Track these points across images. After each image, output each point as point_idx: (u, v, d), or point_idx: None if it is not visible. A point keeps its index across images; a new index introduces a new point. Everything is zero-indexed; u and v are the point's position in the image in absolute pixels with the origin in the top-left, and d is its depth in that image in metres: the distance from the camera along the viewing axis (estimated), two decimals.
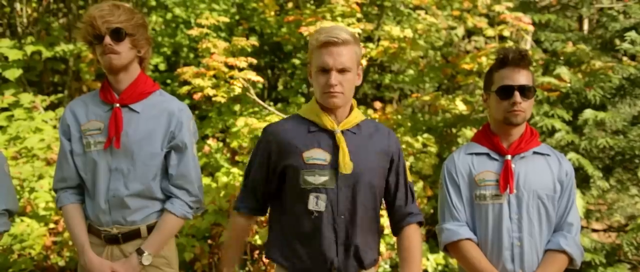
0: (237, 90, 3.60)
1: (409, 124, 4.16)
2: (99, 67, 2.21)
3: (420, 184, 3.94)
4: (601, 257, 3.62)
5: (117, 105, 1.98)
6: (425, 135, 4.09)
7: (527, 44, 4.97)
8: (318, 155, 1.87)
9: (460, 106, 4.07)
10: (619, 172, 3.82)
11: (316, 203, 1.86)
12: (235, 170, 3.88)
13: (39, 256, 3.81)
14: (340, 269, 1.88)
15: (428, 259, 3.83)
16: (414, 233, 1.98)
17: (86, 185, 2.05)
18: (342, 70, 1.84)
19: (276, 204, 1.99)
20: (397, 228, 2.01)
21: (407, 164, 4.02)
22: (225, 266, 2.04)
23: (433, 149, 4.02)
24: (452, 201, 2.09)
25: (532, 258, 2.02)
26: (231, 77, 3.63)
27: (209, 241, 3.87)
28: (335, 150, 1.87)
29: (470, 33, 6.30)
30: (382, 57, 4.13)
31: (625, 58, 4.24)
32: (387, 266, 3.44)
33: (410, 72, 5.29)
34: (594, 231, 4.24)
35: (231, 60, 3.59)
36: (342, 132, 1.90)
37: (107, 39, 1.90)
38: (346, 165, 1.85)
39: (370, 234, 1.94)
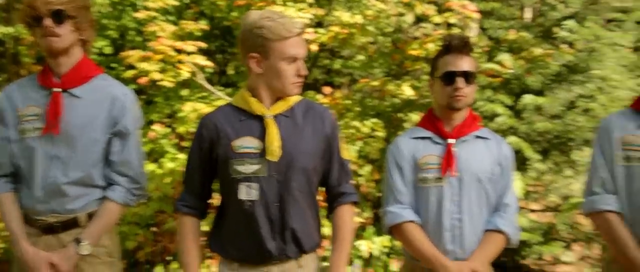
0: (185, 75, 3.56)
1: (358, 109, 4.23)
2: (39, 50, 2.13)
3: (369, 168, 4.02)
4: (538, 236, 3.81)
5: (57, 89, 1.93)
6: (374, 120, 4.16)
7: (473, 31, 5.11)
8: (248, 143, 1.85)
9: (407, 91, 4.15)
10: (555, 155, 4.01)
11: (247, 192, 1.84)
12: (181, 156, 3.84)
13: None
14: (279, 257, 1.88)
15: (374, 243, 3.90)
16: (347, 213, 1.99)
17: (21, 173, 1.98)
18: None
19: (220, 194, 1.97)
20: (331, 208, 2.02)
21: (356, 148, 4.11)
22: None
23: (381, 133, 4.09)
24: (396, 184, 2.14)
25: (471, 239, 2.10)
26: (179, 62, 3.58)
27: (154, 229, 3.82)
28: (265, 136, 1.84)
29: (419, 20, 6.40)
30: (332, 42, 4.16)
31: (563, 46, 4.43)
32: None
33: (360, 57, 5.34)
34: (532, 211, 4.45)
35: (179, 44, 3.54)
36: (275, 116, 1.88)
37: (47, 21, 1.85)
38: (273, 152, 1.83)
39: (308, 218, 1.94)
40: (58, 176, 1.93)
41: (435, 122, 2.17)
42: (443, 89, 2.11)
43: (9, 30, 5.13)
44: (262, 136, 1.85)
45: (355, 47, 4.48)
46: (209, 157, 1.90)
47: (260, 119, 1.87)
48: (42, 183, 1.93)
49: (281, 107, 1.90)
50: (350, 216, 2.01)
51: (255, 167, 1.84)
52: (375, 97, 4.49)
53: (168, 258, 3.82)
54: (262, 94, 1.88)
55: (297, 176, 1.87)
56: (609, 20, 4.41)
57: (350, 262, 3.65)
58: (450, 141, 2.12)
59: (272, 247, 1.86)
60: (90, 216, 1.99)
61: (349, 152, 2.09)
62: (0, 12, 5.78)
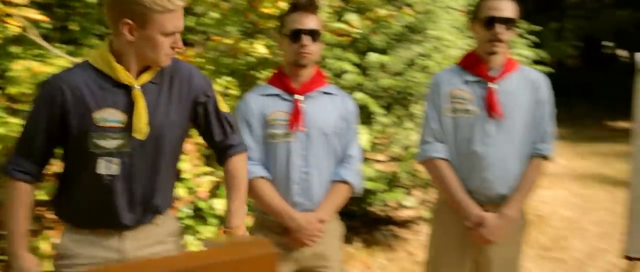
0: (15, 30, 3.21)
1: (211, 67, 4.16)
2: None
3: None
4: (383, 184, 4.12)
5: None
6: (228, 78, 4.13)
7: None
8: (112, 116, 1.70)
9: (261, 50, 4.16)
10: (398, 109, 4.32)
11: (107, 167, 1.72)
12: (14, 120, 3.49)
13: None
14: (134, 226, 1.83)
15: None
16: (238, 162, 1.96)
17: None
18: None
19: (65, 160, 1.82)
20: (221, 161, 1.99)
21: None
22: (16, 244, 1.74)
23: (235, 91, 4.08)
24: (246, 141, 2.18)
25: (319, 190, 2.22)
26: (7, 15, 3.21)
27: None
28: (131, 109, 1.71)
29: None
30: None
31: (406, 8, 4.71)
32: (189, 210, 3.47)
33: (214, 15, 5.20)
34: (378, 162, 4.78)
35: None
36: (142, 86, 1.74)
37: None
38: (141, 130, 1.71)
39: (169, 186, 1.91)
40: None
41: (284, 79, 2.24)
42: (290, 46, 2.17)
43: None
44: (127, 108, 1.71)
45: (208, 4, 4.35)
46: (60, 124, 1.71)
47: (125, 88, 1.72)
48: None
49: (149, 75, 1.77)
50: (243, 164, 1.98)
51: (118, 142, 1.71)
52: (230, 55, 4.44)
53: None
54: (130, 61, 1.72)
55: (163, 149, 1.79)
56: None
57: (206, 220, 3.66)
58: (298, 97, 2.21)
59: (128, 220, 1.79)
60: None
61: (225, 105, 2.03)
62: None
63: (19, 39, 3.71)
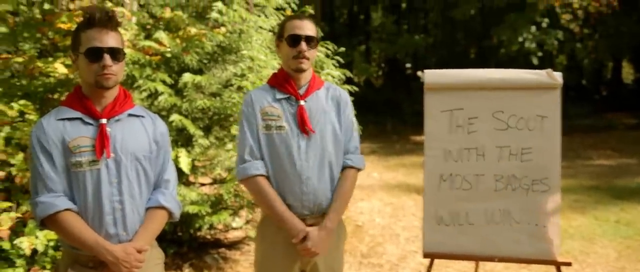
0: None
1: (1, 90, 3.66)
2: None
3: (21, 155, 3.53)
4: (207, 207, 4.00)
5: None
6: (23, 101, 3.67)
7: (133, 7, 4.96)
8: None
9: (61, 70, 3.78)
10: (217, 130, 4.25)
11: None
12: None
13: None
14: None
15: (37, 237, 3.49)
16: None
17: None
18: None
19: None
20: None
21: (2, 134, 3.56)
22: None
23: (33, 116, 3.64)
24: (46, 171, 1.96)
25: (134, 219, 2.07)
26: None
27: None
28: None
29: None
30: None
31: (221, 28, 4.67)
32: None
33: (2, 29, 4.62)
34: (202, 185, 4.64)
35: None
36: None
37: None
38: None
39: None
40: None
41: (84, 101, 2.04)
42: (89, 66, 1.99)
43: None
44: None
45: None
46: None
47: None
48: None
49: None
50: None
51: None
52: (25, 76, 3.95)
53: None
54: None
55: None
56: (255, 5, 4.81)
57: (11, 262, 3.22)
58: (103, 120, 2.02)
59: None
60: None
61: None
62: None
63: None
